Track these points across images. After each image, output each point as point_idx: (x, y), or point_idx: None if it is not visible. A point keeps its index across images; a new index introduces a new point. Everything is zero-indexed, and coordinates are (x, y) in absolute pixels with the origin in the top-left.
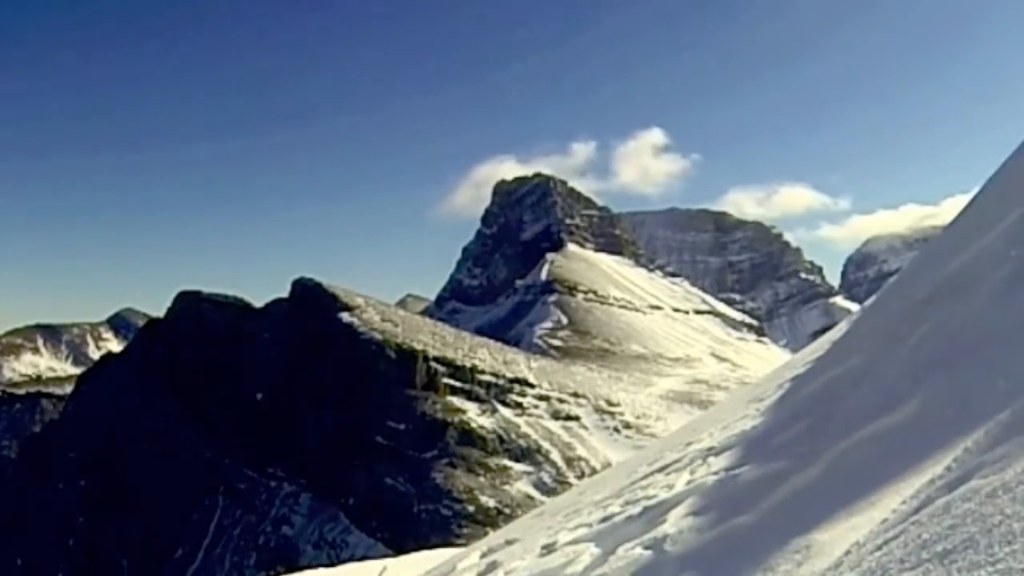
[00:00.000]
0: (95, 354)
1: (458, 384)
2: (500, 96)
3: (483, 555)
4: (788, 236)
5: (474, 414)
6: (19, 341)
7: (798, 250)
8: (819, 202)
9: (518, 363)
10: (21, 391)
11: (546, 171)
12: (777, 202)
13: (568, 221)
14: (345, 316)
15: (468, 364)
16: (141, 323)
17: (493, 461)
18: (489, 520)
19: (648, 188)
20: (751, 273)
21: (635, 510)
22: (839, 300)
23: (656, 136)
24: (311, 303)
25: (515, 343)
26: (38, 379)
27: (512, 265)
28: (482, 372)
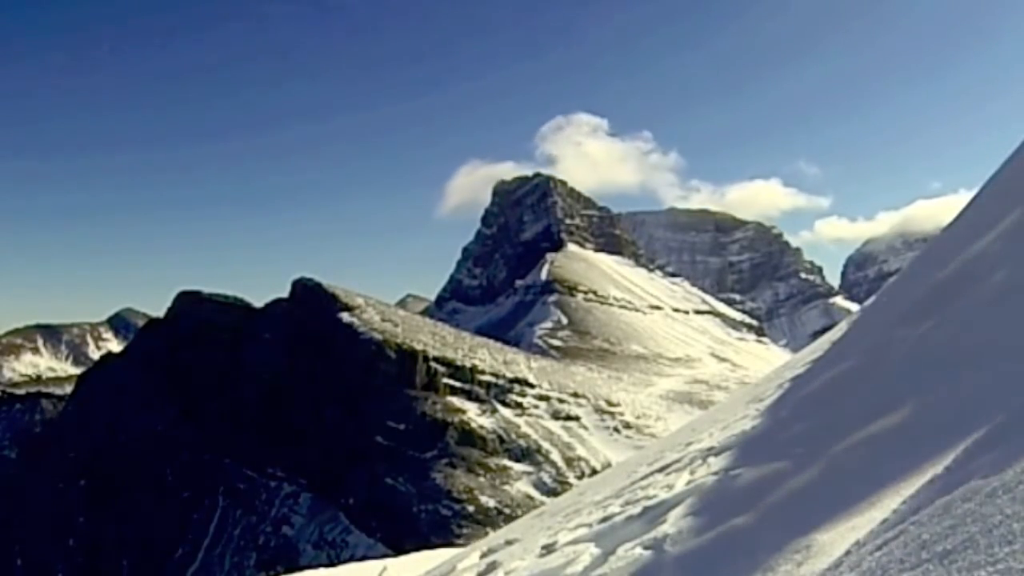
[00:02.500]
0: (95, 354)
1: (458, 384)
2: (499, 96)
3: (483, 555)
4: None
5: (474, 414)
6: (19, 341)
7: (798, 250)
8: (792, 200)
9: (518, 363)
10: (21, 391)
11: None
12: (747, 199)
13: (568, 221)
14: (345, 316)
15: (468, 364)
16: (141, 323)
17: (493, 461)
18: (489, 520)
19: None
20: (751, 273)
21: (635, 510)
22: (839, 300)
23: (597, 122)
24: (311, 303)
25: (515, 343)
26: (38, 379)
27: (512, 265)
28: (482, 372)
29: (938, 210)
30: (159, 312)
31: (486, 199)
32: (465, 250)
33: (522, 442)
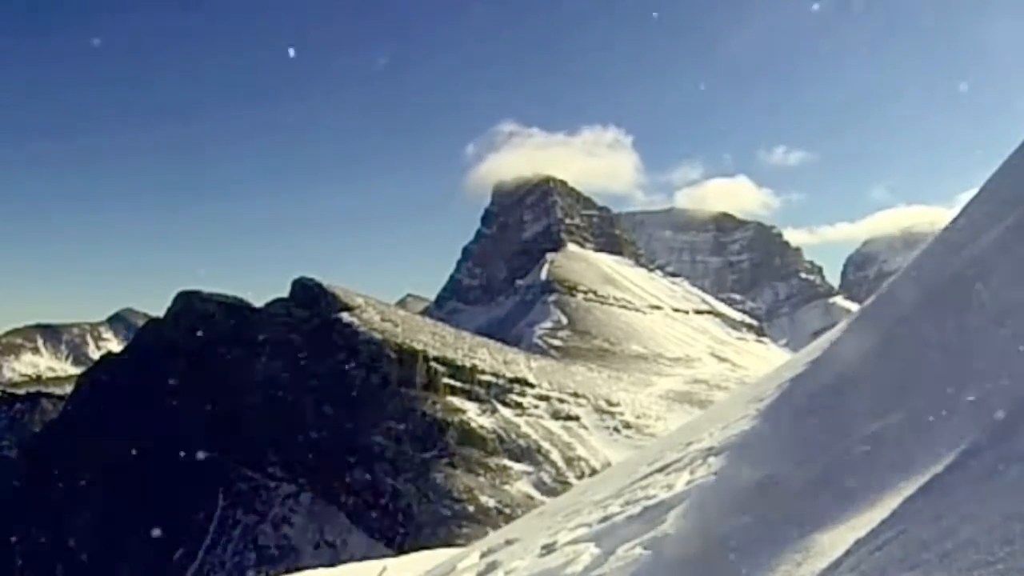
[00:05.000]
0: (95, 354)
1: (458, 384)
2: (500, 95)
3: (483, 555)
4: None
5: (474, 414)
6: (19, 341)
7: (798, 250)
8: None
9: (518, 363)
10: (21, 391)
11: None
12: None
13: (568, 221)
14: (345, 316)
15: (468, 364)
16: (141, 323)
17: (493, 461)
18: (489, 520)
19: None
20: (751, 273)
21: (635, 510)
22: (839, 300)
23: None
24: (311, 303)
25: (515, 343)
26: (38, 379)
27: (512, 265)
28: (482, 372)
29: (898, 220)
30: (159, 312)
31: (485, 199)
32: (465, 250)
33: (522, 442)
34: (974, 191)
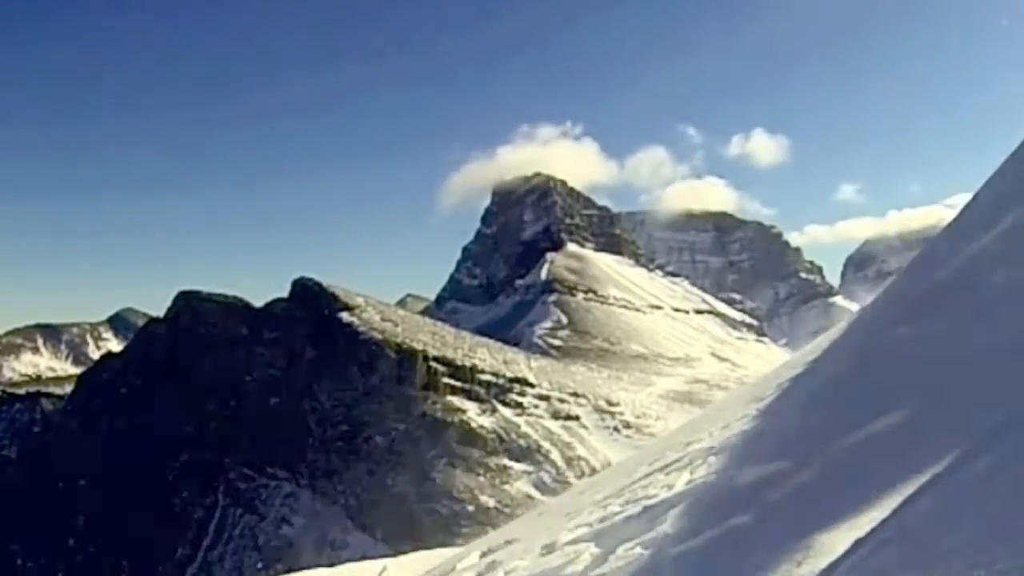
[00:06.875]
0: (95, 354)
1: (458, 384)
2: (501, 92)
3: (483, 555)
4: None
5: (474, 414)
6: (19, 341)
7: (798, 250)
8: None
9: (518, 363)
10: (21, 391)
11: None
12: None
13: (568, 221)
14: (345, 316)
15: (468, 364)
16: (141, 323)
17: (493, 461)
18: (489, 520)
19: None
20: (751, 273)
21: (635, 510)
22: (839, 300)
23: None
24: (311, 303)
25: (515, 343)
26: (38, 379)
27: (512, 265)
28: (482, 372)
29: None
30: (159, 312)
31: (485, 198)
32: (465, 250)
33: (522, 442)
34: (963, 194)
